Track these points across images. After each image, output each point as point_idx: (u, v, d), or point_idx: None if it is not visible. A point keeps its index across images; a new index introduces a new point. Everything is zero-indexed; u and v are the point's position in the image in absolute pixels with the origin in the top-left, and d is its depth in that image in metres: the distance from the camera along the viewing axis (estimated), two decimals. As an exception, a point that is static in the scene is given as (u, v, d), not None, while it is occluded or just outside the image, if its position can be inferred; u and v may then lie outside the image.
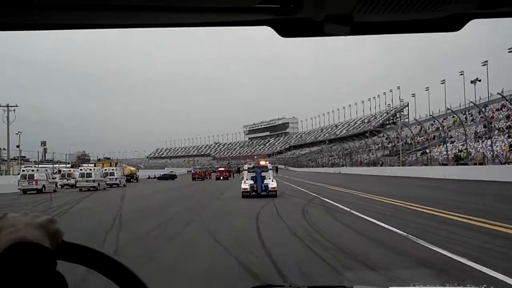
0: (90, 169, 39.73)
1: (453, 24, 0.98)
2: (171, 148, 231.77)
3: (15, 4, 0.85)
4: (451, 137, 68.18)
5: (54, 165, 57.05)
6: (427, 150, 63.38)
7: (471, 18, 0.97)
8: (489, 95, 76.16)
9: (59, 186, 42.16)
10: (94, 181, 38.02)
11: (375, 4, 0.83)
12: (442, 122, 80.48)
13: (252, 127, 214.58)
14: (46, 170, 38.04)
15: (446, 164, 46.11)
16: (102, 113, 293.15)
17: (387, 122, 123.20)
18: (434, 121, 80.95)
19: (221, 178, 64.10)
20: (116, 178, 45.37)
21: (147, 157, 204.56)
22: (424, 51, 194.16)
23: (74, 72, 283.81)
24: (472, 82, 73.86)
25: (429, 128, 78.19)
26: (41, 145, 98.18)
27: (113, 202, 23.98)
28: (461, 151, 52.49)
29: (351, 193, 25.00)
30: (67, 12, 0.91)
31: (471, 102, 67.29)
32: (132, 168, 65.73)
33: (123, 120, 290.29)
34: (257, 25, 0.99)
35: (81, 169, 40.01)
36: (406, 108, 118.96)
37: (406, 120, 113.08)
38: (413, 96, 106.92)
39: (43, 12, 0.90)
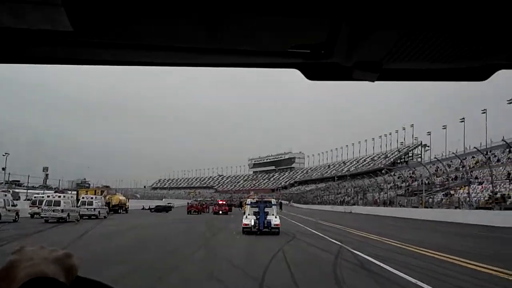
0: (59, 196, 32.96)
1: (482, 73, 1.00)
2: (173, 179, 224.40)
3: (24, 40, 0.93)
4: (476, 178, 61.43)
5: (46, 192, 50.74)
6: (451, 191, 56.65)
7: (500, 68, 0.98)
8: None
9: (29, 215, 35.48)
10: (62, 211, 31.21)
11: (407, 53, 0.86)
12: (461, 162, 74.19)
13: (257, 161, 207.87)
14: (5, 195, 31.33)
15: (489, 208, 38.85)
16: (111, 142, 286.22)
17: (399, 161, 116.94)
18: (451, 161, 74.68)
19: (220, 212, 57.19)
20: (94, 209, 38.48)
21: (146, 187, 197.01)
22: (441, 90, 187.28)
23: (93, 101, 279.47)
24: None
25: (448, 168, 71.89)
26: (43, 171, 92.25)
27: (59, 245, 17.22)
28: (495, 193, 45.53)
29: (388, 243, 18.23)
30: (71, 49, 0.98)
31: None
32: (121, 198, 58.73)
33: (131, 149, 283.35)
34: (287, 67, 1.04)
35: (48, 196, 33.30)
36: (419, 147, 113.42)
37: (419, 159, 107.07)
38: (428, 135, 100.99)
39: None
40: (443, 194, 57.55)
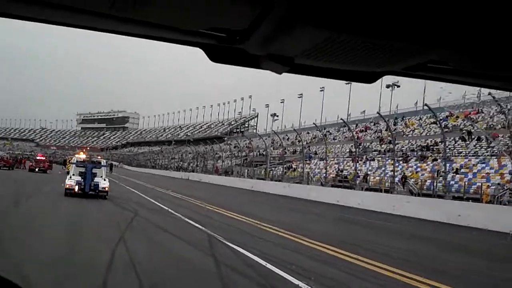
0: None
1: (371, 77, 1.09)
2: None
3: None
4: (316, 153, 61.39)
5: None
6: (293, 165, 55.39)
7: (386, 74, 1.08)
8: (348, 116, 72.48)
9: None
10: None
11: (322, 53, 0.90)
12: (296, 137, 74.58)
13: (87, 116, 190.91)
14: None
15: (349, 186, 36.26)
16: None
17: (235, 130, 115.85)
18: (287, 135, 74.15)
19: (37, 169, 47.98)
20: None
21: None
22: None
23: None
24: (388, 86, 67.46)
25: (282, 140, 71.63)
26: None
27: None
28: (341, 170, 44.62)
29: (269, 230, 13.60)
30: None
31: (342, 119, 60.98)
32: None
33: None
34: (193, 46, 1.02)
35: None
36: (256, 118, 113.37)
37: (254, 130, 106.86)
38: (266, 107, 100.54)
39: None
40: (284, 167, 55.80)
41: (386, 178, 35.01)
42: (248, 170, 60.15)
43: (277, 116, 74.87)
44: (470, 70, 1.01)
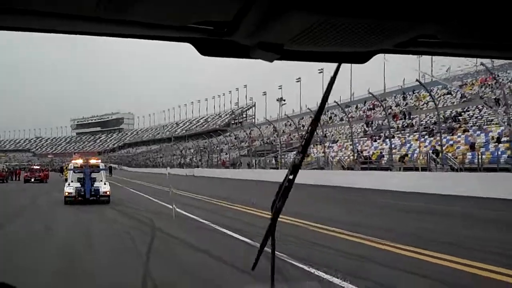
0: None
1: (364, 57, 1.07)
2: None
3: None
4: (325, 136, 57.89)
5: None
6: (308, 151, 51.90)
7: (378, 53, 1.06)
8: (352, 96, 69.61)
9: None
10: None
11: (312, 37, 0.89)
12: (299, 122, 71.42)
13: (81, 121, 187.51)
14: None
15: (377, 168, 32.76)
16: None
17: (234, 122, 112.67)
18: (288, 121, 71.05)
19: (32, 180, 44.77)
20: None
21: None
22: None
23: None
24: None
25: (286, 127, 68.68)
26: None
27: None
28: (361, 151, 41.35)
29: (315, 230, 10.32)
30: None
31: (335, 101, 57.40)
32: None
33: None
34: (181, 41, 1.00)
35: None
36: (254, 108, 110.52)
37: (253, 120, 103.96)
38: (264, 95, 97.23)
39: None
40: (295, 154, 52.59)
41: (415, 155, 31.68)
42: (255, 161, 56.92)
43: (284, 100, 70.96)
44: (459, 42, 1.00)
